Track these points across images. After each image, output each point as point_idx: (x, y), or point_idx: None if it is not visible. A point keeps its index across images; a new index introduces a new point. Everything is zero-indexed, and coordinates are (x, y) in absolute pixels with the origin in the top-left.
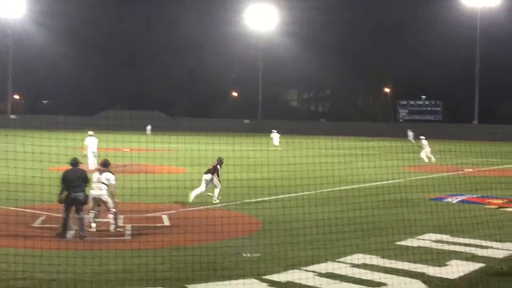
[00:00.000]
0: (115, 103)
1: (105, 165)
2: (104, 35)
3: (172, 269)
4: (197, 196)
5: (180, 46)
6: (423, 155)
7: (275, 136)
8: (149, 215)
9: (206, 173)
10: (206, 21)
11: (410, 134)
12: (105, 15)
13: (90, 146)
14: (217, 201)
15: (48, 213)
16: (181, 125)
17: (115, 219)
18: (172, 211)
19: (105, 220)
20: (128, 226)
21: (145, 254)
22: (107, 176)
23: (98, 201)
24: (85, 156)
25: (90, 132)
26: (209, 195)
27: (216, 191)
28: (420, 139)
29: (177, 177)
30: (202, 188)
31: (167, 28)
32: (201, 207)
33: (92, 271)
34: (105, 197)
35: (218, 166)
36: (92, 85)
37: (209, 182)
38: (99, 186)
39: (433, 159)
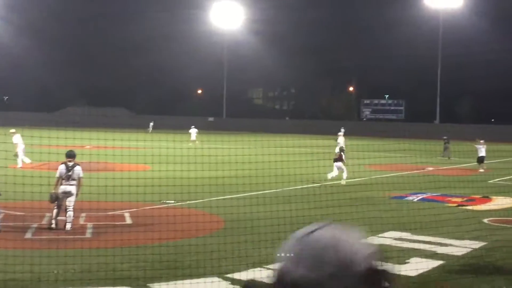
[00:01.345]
0: (78, 100)
1: (73, 156)
2: (67, 30)
3: (133, 268)
4: None
5: (146, 43)
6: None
7: (193, 132)
8: (110, 213)
9: (335, 161)
10: (172, 18)
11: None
12: (69, 11)
13: (19, 143)
14: (344, 182)
15: (6, 212)
16: (146, 122)
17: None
18: (134, 209)
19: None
20: (89, 225)
21: (106, 253)
22: (78, 170)
23: (68, 196)
24: (17, 155)
25: (13, 130)
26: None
27: (344, 174)
28: (338, 135)
29: (139, 175)
30: (335, 172)
31: (134, 25)
32: (162, 205)
33: (50, 270)
34: (74, 193)
35: (342, 154)
36: (54, 81)
37: (339, 168)
38: (69, 182)
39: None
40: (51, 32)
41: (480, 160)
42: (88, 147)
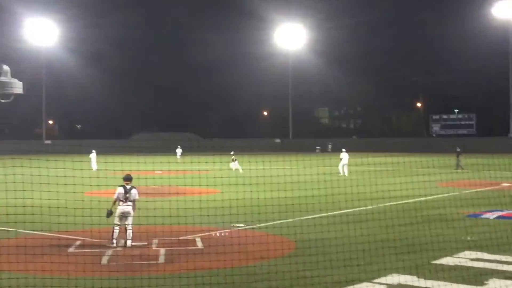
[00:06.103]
0: (148, 126)
1: (130, 179)
2: (134, 58)
3: None
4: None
5: (211, 67)
6: (340, 167)
7: (178, 151)
8: (182, 238)
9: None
10: (237, 42)
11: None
12: (135, 39)
13: None
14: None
15: (83, 238)
16: (213, 146)
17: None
18: (206, 233)
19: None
20: (162, 250)
21: (178, 281)
22: (135, 192)
23: (126, 216)
24: None
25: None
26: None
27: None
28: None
29: (209, 198)
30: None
31: (199, 50)
32: (233, 229)
33: None
34: (131, 213)
35: None
36: (124, 108)
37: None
38: (127, 203)
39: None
40: (119, 60)
41: None
42: (159, 172)
